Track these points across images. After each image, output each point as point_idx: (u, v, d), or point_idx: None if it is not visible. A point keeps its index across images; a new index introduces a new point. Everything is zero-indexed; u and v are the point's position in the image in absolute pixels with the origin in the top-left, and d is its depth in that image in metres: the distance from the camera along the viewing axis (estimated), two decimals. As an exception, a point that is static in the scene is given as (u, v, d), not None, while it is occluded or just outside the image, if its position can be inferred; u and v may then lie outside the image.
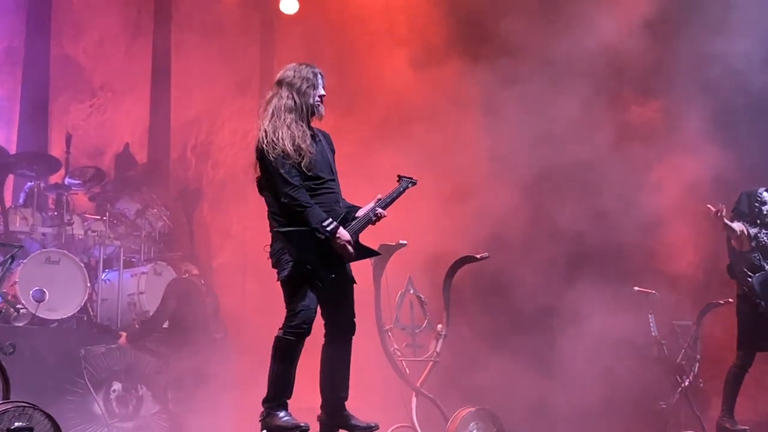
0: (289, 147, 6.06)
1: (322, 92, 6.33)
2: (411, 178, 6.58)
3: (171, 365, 9.45)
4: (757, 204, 9.00)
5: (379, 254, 6.65)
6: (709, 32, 10.50)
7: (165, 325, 9.67)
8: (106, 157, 12.43)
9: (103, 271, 10.47)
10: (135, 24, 12.96)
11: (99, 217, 10.74)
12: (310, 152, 6.11)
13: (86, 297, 9.81)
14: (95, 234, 10.54)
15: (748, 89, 10.48)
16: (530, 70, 10.89)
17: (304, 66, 6.36)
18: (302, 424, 6.03)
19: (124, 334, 9.54)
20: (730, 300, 9.40)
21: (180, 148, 13.15)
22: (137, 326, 10.04)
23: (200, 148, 13.14)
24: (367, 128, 10.46)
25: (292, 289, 6.11)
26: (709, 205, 8.80)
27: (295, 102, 6.21)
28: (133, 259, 10.90)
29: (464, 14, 11.35)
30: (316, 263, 6.07)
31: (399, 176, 6.57)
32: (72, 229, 10.45)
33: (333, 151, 6.44)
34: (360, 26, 11.57)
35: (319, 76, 6.34)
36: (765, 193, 9.07)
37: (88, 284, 9.83)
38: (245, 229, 11.61)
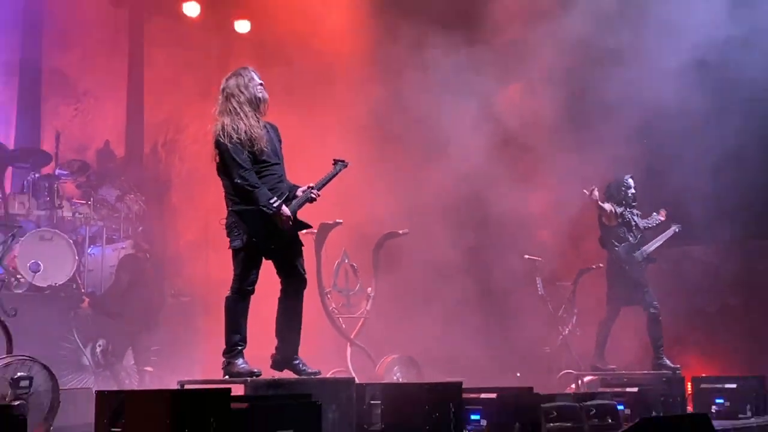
0: (243, 136, 6.10)
1: (258, 80, 6.29)
2: (344, 161, 6.57)
3: (132, 325, 9.68)
4: (623, 188, 9.39)
5: (311, 227, 6.64)
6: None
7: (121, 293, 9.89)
8: (89, 152, 12.36)
9: (89, 247, 10.51)
10: (112, 41, 12.87)
11: (84, 202, 10.75)
12: (262, 139, 6.15)
13: (75, 268, 9.80)
14: (81, 216, 10.57)
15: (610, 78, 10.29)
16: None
17: (237, 70, 6.33)
18: (255, 370, 6.00)
19: (87, 299, 9.59)
20: (601, 265, 9.83)
21: (152, 144, 13.16)
22: (98, 294, 10.12)
23: (169, 145, 13.07)
24: (313, 132, 10.44)
25: (239, 256, 6.14)
26: (584, 190, 9.09)
27: (246, 97, 6.20)
28: (114, 237, 10.91)
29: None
30: (261, 236, 6.11)
31: (334, 160, 6.58)
32: (62, 212, 10.47)
33: (280, 141, 6.46)
34: (304, 43, 11.54)
35: (251, 70, 6.32)
36: (630, 180, 9.51)
37: (77, 257, 9.83)
38: (208, 211, 11.59)
